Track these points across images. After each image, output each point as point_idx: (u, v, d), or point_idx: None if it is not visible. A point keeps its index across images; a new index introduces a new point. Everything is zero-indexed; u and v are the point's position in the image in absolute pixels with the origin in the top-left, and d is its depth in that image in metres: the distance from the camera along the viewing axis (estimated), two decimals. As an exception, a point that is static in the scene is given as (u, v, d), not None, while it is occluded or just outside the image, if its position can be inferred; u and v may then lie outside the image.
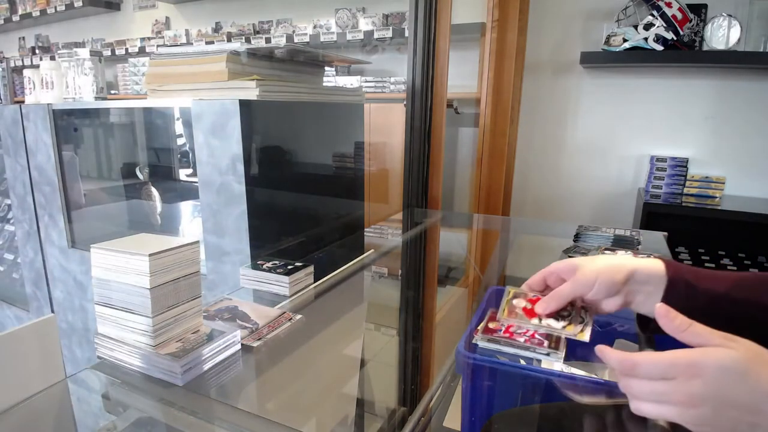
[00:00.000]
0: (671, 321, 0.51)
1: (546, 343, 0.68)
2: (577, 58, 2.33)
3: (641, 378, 0.49)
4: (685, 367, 0.47)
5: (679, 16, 2.06)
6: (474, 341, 0.70)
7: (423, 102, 1.83)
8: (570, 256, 1.28)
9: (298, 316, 0.89)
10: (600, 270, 0.64)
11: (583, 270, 0.65)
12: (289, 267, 1.06)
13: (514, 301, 0.74)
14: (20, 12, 4.51)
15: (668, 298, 0.62)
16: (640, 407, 0.50)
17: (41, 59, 3.97)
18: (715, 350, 0.47)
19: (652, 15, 2.10)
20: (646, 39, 2.12)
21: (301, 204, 1.42)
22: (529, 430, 0.75)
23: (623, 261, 0.65)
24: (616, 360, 0.51)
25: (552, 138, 2.63)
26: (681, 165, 2.25)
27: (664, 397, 0.48)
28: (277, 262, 1.09)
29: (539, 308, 0.69)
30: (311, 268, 1.09)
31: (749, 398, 0.45)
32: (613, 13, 2.29)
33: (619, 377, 0.53)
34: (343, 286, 1.16)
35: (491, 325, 0.72)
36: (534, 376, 0.69)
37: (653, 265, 0.64)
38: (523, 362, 0.68)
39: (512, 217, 2.67)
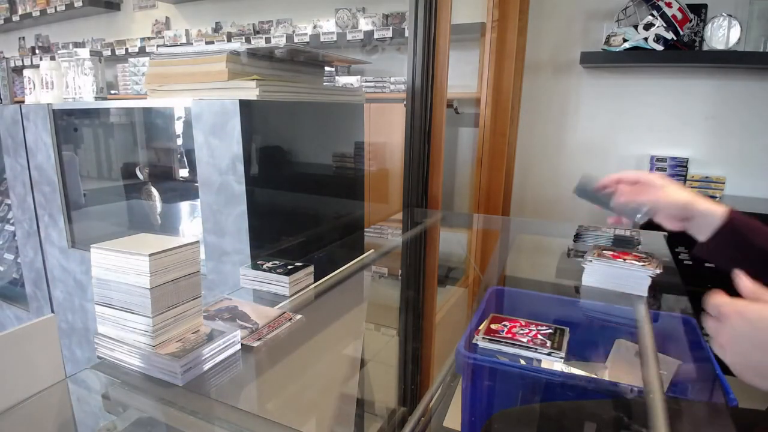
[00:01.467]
0: (743, 284, 0.60)
1: (549, 343, 0.68)
2: (577, 58, 2.33)
3: (708, 312, 0.59)
4: (726, 311, 0.56)
5: (679, 16, 2.06)
6: (474, 341, 0.70)
7: (423, 102, 1.83)
8: (569, 257, 1.28)
9: (298, 316, 0.89)
10: (684, 197, 0.81)
11: (668, 191, 0.83)
12: (289, 267, 1.06)
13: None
14: (20, 12, 4.51)
15: (715, 238, 0.78)
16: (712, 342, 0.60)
17: (41, 59, 3.97)
18: (759, 304, 0.56)
19: (652, 15, 2.10)
20: (646, 39, 2.12)
21: (301, 204, 1.42)
22: (529, 430, 0.75)
23: (697, 198, 0.82)
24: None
25: (552, 138, 2.63)
26: (681, 165, 2.25)
27: (712, 331, 0.58)
28: (277, 262, 1.09)
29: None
30: (311, 268, 1.09)
31: None
32: (613, 13, 2.29)
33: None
34: (343, 286, 1.16)
35: (493, 326, 0.72)
36: (534, 376, 0.69)
37: (717, 209, 0.79)
38: (523, 362, 0.68)
39: (512, 217, 2.67)
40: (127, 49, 4.04)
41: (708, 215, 0.79)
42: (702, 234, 0.80)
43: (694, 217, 0.80)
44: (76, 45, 4.46)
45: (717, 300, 0.58)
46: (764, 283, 0.69)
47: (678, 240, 2.45)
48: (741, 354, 0.55)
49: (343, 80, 3.03)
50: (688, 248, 2.22)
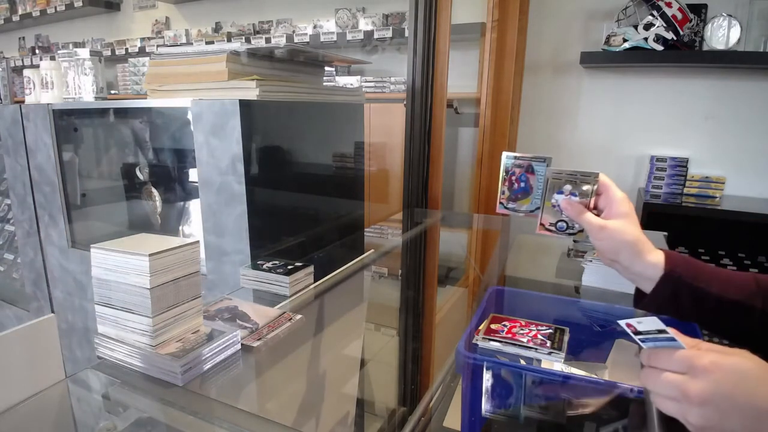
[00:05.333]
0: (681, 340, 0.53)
1: (549, 343, 0.68)
2: (577, 58, 2.33)
3: (658, 367, 0.50)
4: (702, 363, 0.47)
5: (679, 16, 2.06)
6: (474, 341, 0.70)
7: (423, 102, 1.83)
8: (569, 257, 1.28)
9: (298, 316, 0.89)
10: (623, 242, 0.68)
11: (621, 222, 0.69)
12: (289, 267, 1.06)
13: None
14: (20, 12, 4.51)
15: (657, 292, 0.67)
16: (656, 400, 0.51)
17: (41, 59, 3.97)
18: (733, 356, 0.48)
19: (652, 15, 2.10)
20: (646, 39, 2.12)
21: (301, 204, 1.42)
22: (529, 430, 0.75)
23: (644, 245, 0.68)
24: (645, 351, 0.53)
25: (552, 138, 2.63)
26: (681, 165, 2.25)
27: (674, 391, 0.48)
28: (277, 262, 1.09)
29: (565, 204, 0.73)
30: (311, 268, 1.09)
31: (760, 403, 0.45)
32: (613, 13, 2.29)
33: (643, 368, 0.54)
34: (343, 286, 1.16)
35: (493, 326, 0.72)
36: (534, 376, 0.69)
37: (659, 261, 0.67)
38: (523, 362, 0.68)
39: (512, 217, 2.67)
40: (127, 49, 4.04)
41: (648, 266, 0.67)
42: (639, 284, 0.70)
43: (631, 265, 0.68)
44: (76, 45, 4.46)
45: (685, 352, 0.49)
46: (726, 333, 0.65)
47: (678, 240, 2.44)
48: (717, 417, 0.46)
49: (343, 80, 3.03)
50: (688, 248, 2.22)
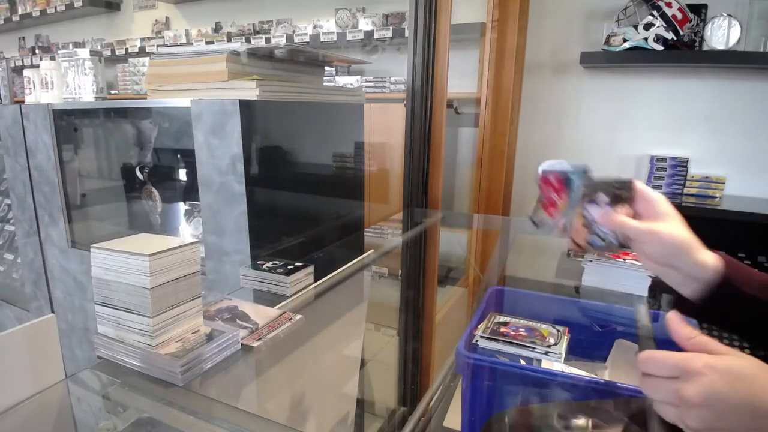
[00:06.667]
0: (680, 329, 0.52)
1: (549, 343, 0.68)
2: (577, 58, 2.33)
3: (652, 374, 0.50)
4: (695, 366, 0.47)
5: (679, 16, 2.06)
6: (474, 341, 0.70)
7: (423, 102, 1.83)
8: (569, 257, 1.28)
9: (298, 316, 0.89)
10: (683, 237, 0.62)
11: (669, 223, 0.63)
12: (289, 267, 1.06)
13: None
14: (20, 12, 4.51)
15: (711, 297, 0.62)
16: (656, 407, 0.51)
17: (41, 59, 3.97)
18: (726, 356, 0.47)
19: (652, 15, 2.10)
20: (646, 39, 2.12)
21: (301, 204, 1.42)
22: (529, 430, 0.75)
23: (696, 244, 0.63)
24: (641, 354, 0.52)
25: (552, 138, 2.63)
26: (681, 165, 2.25)
27: (670, 396, 0.48)
28: (277, 262, 1.09)
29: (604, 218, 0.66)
30: (311, 268, 1.09)
31: (756, 403, 0.45)
32: (613, 13, 2.29)
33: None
34: (343, 286, 1.16)
35: (493, 326, 0.72)
36: (534, 376, 0.69)
37: (710, 261, 0.62)
38: (523, 362, 0.68)
39: (512, 217, 2.67)
40: (127, 49, 4.04)
41: (700, 266, 0.62)
42: (685, 287, 0.64)
43: (684, 266, 0.62)
44: (76, 45, 4.45)
45: (676, 355, 0.48)
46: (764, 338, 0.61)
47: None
48: (714, 418, 0.45)
49: (343, 80, 3.03)
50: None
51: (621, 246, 0.66)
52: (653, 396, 0.50)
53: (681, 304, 0.66)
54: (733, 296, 0.61)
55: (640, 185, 0.66)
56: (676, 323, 0.52)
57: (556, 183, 0.67)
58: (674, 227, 0.63)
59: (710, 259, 0.62)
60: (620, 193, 0.65)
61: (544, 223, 0.68)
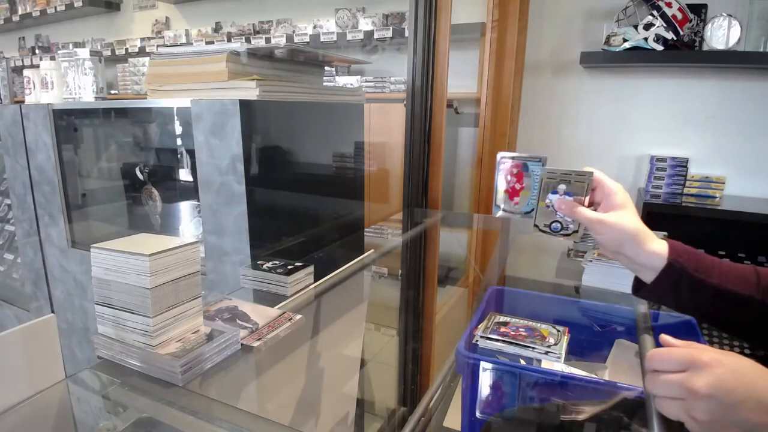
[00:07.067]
0: (674, 342, 0.54)
1: (549, 343, 0.68)
2: (577, 58, 2.33)
3: (659, 369, 0.51)
4: (704, 359, 0.48)
5: (679, 16, 2.06)
6: (474, 341, 0.70)
7: (423, 102, 1.83)
8: (569, 257, 1.28)
9: (298, 316, 0.89)
10: (633, 226, 0.67)
11: (622, 213, 0.68)
12: (289, 267, 1.06)
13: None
14: (20, 12, 4.51)
15: (659, 282, 0.66)
16: (660, 404, 0.51)
17: (41, 59, 3.97)
18: (731, 354, 0.49)
19: (652, 15, 2.10)
20: (646, 39, 2.12)
21: (301, 204, 1.42)
22: (529, 430, 0.75)
23: (647, 234, 0.67)
24: (650, 352, 0.54)
25: (552, 138, 2.63)
26: (681, 165, 2.25)
27: (678, 390, 0.49)
28: (277, 262, 1.09)
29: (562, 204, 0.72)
30: (311, 268, 1.09)
31: (762, 396, 0.46)
32: (613, 13, 2.29)
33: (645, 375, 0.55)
34: (343, 286, 1.16)
35: (493, 326, 0.72)
36: (534, 376, 0.69)
37: (662, 250, 0.67)
38: (523, 362, 0.68)
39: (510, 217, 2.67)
40: (127, 49, 4.04)
41: (651, 254, 0.66)
42: (642, 273, 0.69)
43: (634, 255, 0.67)
44: (76, 45, 4.45)
45: (685, 349, 0.50)
46: (724, 325, 0.66)
47: (678, 240, 2.43)
48: (722, 410, 0.46)
49: (343, 80, 3.03)
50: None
51: (582, 233, 0.72)
52: (659, 392, 0.51)
53: (637, 285, 0.71)
54: (676, 279, 0.65)
55: (600, 176, 0.71)
56: (669, 340, 0.55)
57: (515, 169, 0.75)
58: (625, 218, 0.67)
59: (662, 248, 0.66)
60: (580, 183, 0.71)
61: (512, 211, 0.76)
